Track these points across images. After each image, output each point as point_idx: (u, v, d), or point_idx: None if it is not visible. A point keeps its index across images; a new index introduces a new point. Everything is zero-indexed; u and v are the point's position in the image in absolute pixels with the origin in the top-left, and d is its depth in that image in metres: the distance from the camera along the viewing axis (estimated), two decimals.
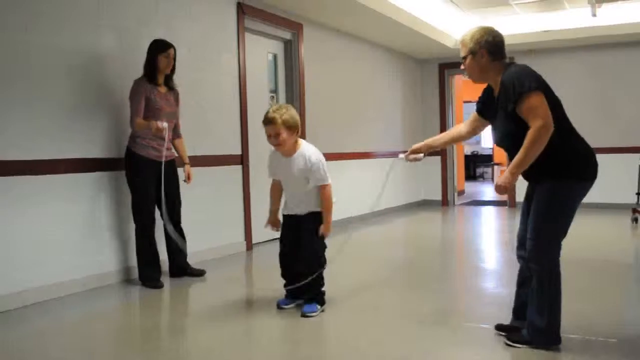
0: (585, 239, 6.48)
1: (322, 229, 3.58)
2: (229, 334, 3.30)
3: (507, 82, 2.76)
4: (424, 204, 10.20)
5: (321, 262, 3.60)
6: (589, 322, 3.33)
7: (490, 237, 7.21)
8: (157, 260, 4.48)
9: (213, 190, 5.49)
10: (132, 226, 4.48)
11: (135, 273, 4.54)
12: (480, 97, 3.11)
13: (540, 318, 2.84)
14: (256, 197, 5.88)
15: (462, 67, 2.97)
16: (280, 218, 3.79)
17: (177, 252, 4.64)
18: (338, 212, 7.37)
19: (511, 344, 2.92)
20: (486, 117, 3.08)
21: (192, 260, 4.86)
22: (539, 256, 2.83)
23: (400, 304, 3.90)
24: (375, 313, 3.65)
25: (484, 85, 3.08)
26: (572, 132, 2.85)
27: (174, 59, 4.49)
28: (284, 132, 3.44)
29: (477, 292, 4.29)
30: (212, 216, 5.47)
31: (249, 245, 5.93)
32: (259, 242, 6.07)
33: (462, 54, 2.94)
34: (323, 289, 3.65)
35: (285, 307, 3.66)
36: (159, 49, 4.41)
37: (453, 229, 8.13)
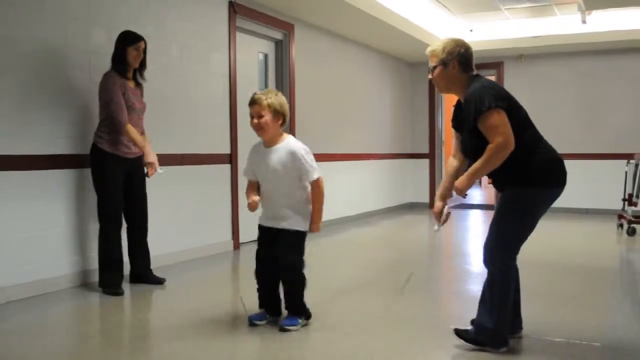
0: (571, 244, 6.52)
1: (311, 227, 3.33)
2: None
3: (469, 98, 2.81)
4: (411, 207, 10.22)
5: (301, 280, 3.32)
6: (574, 326, 3.36)
7: (476, 240, 7.22)
8: (120, 265, 4.15)
9: (201, 189, 5.47)
10: (93, 227, 4.21)
11: (94, 277, 4.23)
12: (453, 115, 3.09)
13: (489, 319, 2.88)
14: (244, 196, 5.85)
15: (430, 76, 3.02)
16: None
17: (139, 257, 4.33)
18: (325, 213, 7.32)
19: (458, 337, 2.98)
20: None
21: (177, 259, 4.82)
22: (492, 257, 2.90)
23: (386, 306, 3.89)
24: (360, 316, 3.64)
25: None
26: (537, 142, 2.87)
27: (144, 52, 4.19)
28: (267, 115, 3.20)
29: (463, 295, 4.30)
30: (200, 215, 5.44)
31: (236, 245, 5.91)
32: (246, 242, 6.05)
33: (432, 64, 2.97)
34: (304, 300, 3.37)
35: (258, 323, 3.34)
36: (128, 41, 4.11)
37: (440, 232, 8.13)
